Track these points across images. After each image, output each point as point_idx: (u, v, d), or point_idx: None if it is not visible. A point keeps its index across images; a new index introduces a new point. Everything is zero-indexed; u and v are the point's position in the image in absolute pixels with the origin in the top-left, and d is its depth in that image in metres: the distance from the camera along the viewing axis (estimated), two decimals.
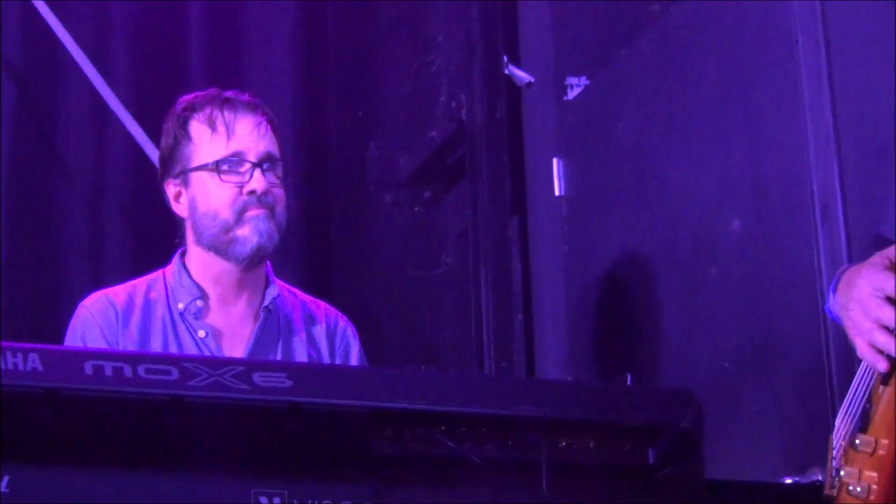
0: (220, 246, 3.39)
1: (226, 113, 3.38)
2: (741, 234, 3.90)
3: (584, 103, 4.77)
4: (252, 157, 3.36)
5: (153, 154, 4.33)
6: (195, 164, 3.39)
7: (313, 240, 5.00)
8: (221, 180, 3.35)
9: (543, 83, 4.93)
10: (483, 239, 5.04)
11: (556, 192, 4.80)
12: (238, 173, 3.36)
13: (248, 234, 3.35)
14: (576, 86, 4.81)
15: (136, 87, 4.92)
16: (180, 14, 5.15)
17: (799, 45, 3.67)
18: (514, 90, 5.08)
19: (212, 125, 3.37)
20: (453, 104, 5.31)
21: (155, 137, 4.35)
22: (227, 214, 3.35)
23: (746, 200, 3.88)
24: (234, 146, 3.37)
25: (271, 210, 3.38)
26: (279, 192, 3.42)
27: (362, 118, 5.45)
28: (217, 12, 5.19)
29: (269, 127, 3.44)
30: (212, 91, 3.45)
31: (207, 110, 3.38)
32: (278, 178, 3.43)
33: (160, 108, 4.62)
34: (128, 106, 4.57)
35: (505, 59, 5.07)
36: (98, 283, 3.92)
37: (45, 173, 4.82)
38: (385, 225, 5.44)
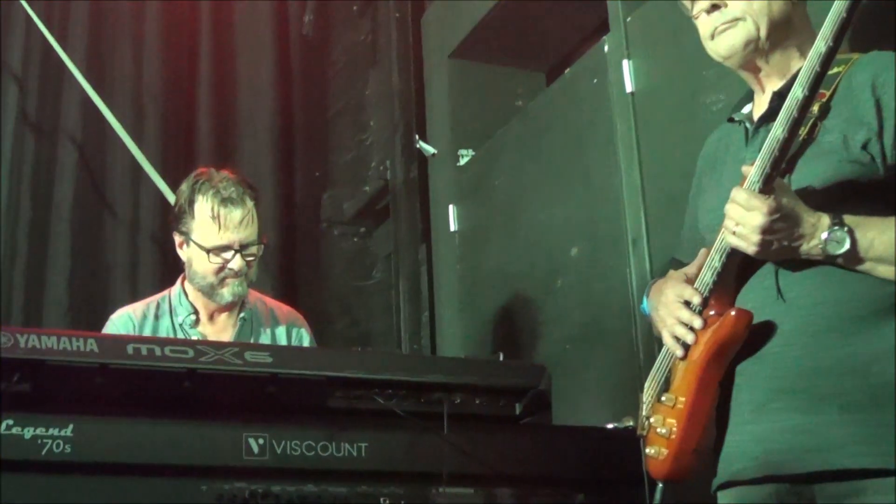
0: (205, 292, 3.37)
1: (222, 209, 3.28)
2: (578, 258, 3.91)
3: (471, 167, 4.76)
4: (236, 246, 3.30)
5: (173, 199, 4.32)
6: (194, 238, 3.32)
7: (284, 260, 4.98)
8: (210, 260, 3.30)
9: (443, 154, 4.92)
10: (402, 260, 5.02)
11: (452, 228, 4.78)
12: (223, 257, 3.30)
13: (226, 294, 3.34)
14: (465, 156, 4.80)
15: (163, 149, 4.87)
16: (193, 104, 5.12)
17: (617, 130, 3.72)
18: (423, 158, 5.06)
19: (212, 215, 3.28)
20: (381, 168, 5.29)
21: (176, 186, 4.35)
22: (211, 279, 3.33)
23: (582, 234, 3.89)
24: (224, 237, 3.28)
25: (245, 275, 3.35)
26: (251, 259, 3.36)
27: (319, 177, 5.44)
28: (218, 98, 5.18)
29: (254, 213, 3.35)
30: (217, 182, 3.33)
31: (213, 203, 3.29)
32: (253, 252, 3.36)
33: (176, 165, 4.69)
34: (156, 165, 4.53)
35: (416, 137, 5.05)
36: (135, 292, 3.89)
37: (98, 212, 4.78)
38: (334, 250, 5.43)
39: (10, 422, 2.16)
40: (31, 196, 4.60)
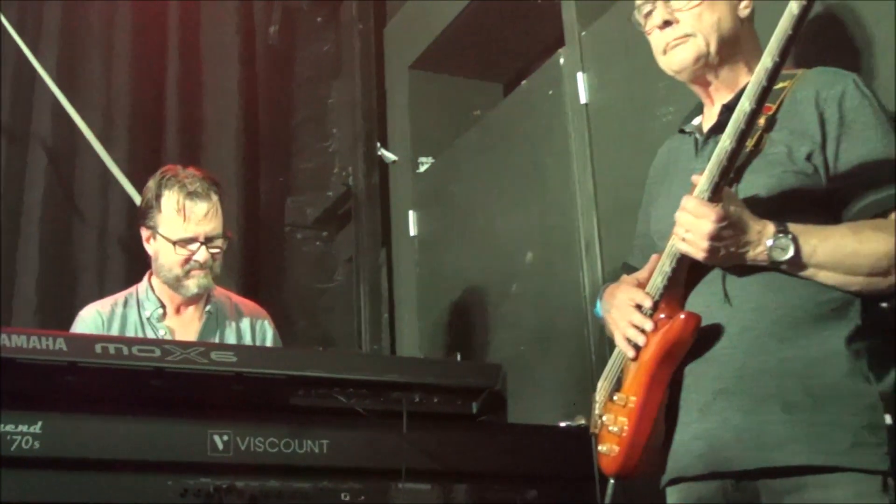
0: (171, 284, 3.35)
1: (188, 202, 3.28)
2: (533, 263, 3.92)
3: (430, 175, 4.77)
4: (201, 238, 3.29)
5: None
6: (161, 231, 3.31)
7: (248, 262, 4.95)
8: (176, 252, 3.29)
9: (403, 161, 4.92)
10: (363, 263, 5.01)
11: (411, 233, 4.79)
12: (189, 249, 3.29)
13: (191, 285, 3.32)
14: (425, 163, 4.82)
15: (130, 155, 4.84)
16: (161, 111, 5.09)
17: (571, 140, 3.73)
18: (384, 165, 5.06)
19: (178, 208, 3.28)
20: (344, 174, 5.27)
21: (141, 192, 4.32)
22: (177, 271, 3.31)
23: (536, 240, 3.91)
24: (190, 230, 3.28)
25: (210, 268, 3.34)
26: (216, 252, 3.35)
27: (283, 182, 5.42)
28: (185, 105, 5.15)
29: (218, 207, 3.35)
30: (183, 178, 3.34)
31: (179, 196, 3.29)
32: (217, 245, 3.35)
33: (144, 170, 4.63)
34: (124, 170, 4.50)
35: (378, 144, 5.06)
36: (103, 292, 3.86)
37: (67, 215, 4.73)
38: (297, 253, 5.40)
39: None
40: (2, 199, 4.56)
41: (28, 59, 4.51)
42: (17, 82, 4.71)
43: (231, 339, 3.44)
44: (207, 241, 3.31)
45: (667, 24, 2.35)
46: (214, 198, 3.34)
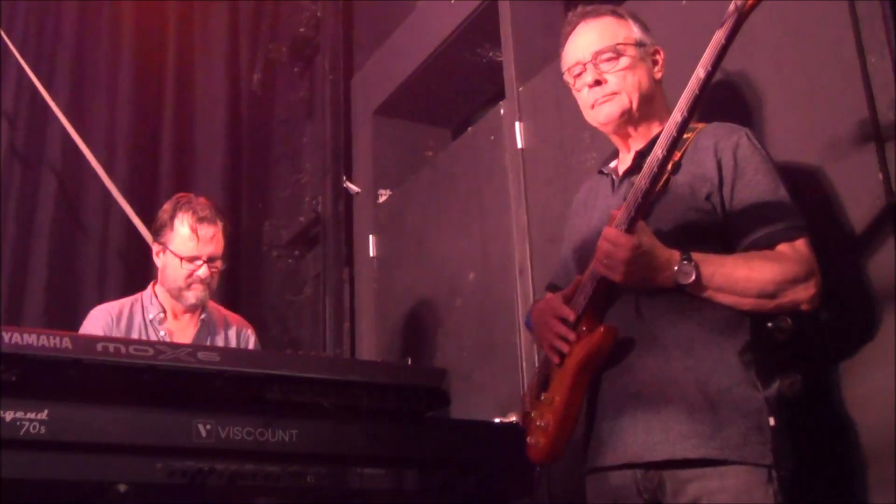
0: (173, 294, 3.37)
1: (197, 225, 3.31)
2: (474, 281, 3.93)
3: (388, 205, 4.75)
4: (204, 257, 3.32)
5: (138, 223, 4.25)
6: (171, 247, 3.33)
7: (231, 276, 4.89)
8: (182, 267, 3.31)
9: (365, 192, 4.90)
10: (328, 279, 4.98)
11: (371, 254, 4.76)
12: (194, 264, 3.32)
13: (190, 296, 3.35)
14: (384, 195, 4.81)
15: (130, 180, 4.80)
16: (157, 143, 5.05)
17: (509, 179, 3.74)
18: (348, 196, 5.03)
19: (188, 230, 3.31)
20: (314, 202, 5.24)
21: (140, 212, 4.28)
22: (180, 283, 3.33)
23: (477, 262, 3.91)
24: (196, 249, 3.31)
25: (208, 284, 3.36)
26: (216, 271, 3.37)
27: (261, 208, 5.39)
28: (178, 139, 5.12)
29: (221, 233, 3.37)
30: (196, 205, 3.36)
31: (190, 219, 3.32)
32: (217, 265, 3.37)
33: (142, 194, 4.62)
34: (124, 193, 4.47)
35: (344, 178, 5.04)
36: (102, 299, 3.82)
37: (73, 232, 4.68)
38: (272, 270, 5.34)
39: None
40: (16, 216, 4.51)
41: (42, 95, 4.47)
42: (31, 115, 4.67)
43: (220, 344, 3.44)
44: (209, 260, 3.34)
45: (597, 83, 2.38)
46: (220, 224, 3.38)
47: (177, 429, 2.30)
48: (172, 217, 3.35)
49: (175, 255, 3.32)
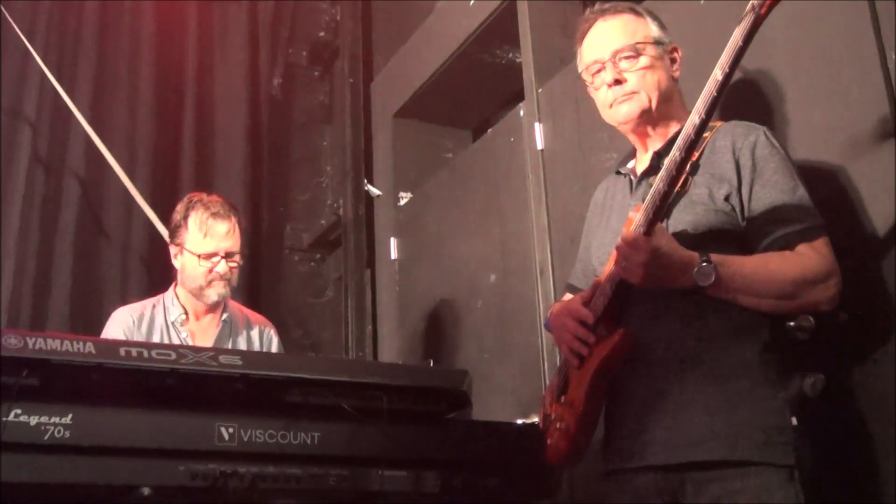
0: (194, 293, 3.38)
1: (210, 221, 3.33)
2: (495, 283, 3.93)
3: (409, 207, 4.77)
4: (221, 253, 3.33)
5: (160, 227, 4.28)
6: (188, 246, 3.34)
7: (252, 280, 4.94)
8: (200, 264, 3.33)
9: (386, 195, 4.92)
10: (350, 282, 5.00)
11: (392, 257, 4.78)
12: (211, 261, 3.33)
13: (211, 293, 3.36)
14: (404, 197, 4.82)
15: (152, 185, 4.84)
16: (179, 148, 5.08)
17: (529, 180, 3.75)
18: (369, 199, 5.06)
19: (202, 227, 3.32)
20: (335, 205, 5.27)
21: (162, 216, 4.30)
22: (200, 281, 3.35)
23: (498, 264, 3.91)
24: (212, 245, 3.33)
25: (228, 280, 3.37)
26: (234, 266, 3.38)
27: (282, 211, 5.42)
28: (199, 144, 5.14)
29: (236, 228, 3.38)
30: (207, 202, 3.38)
31: (203, 216, 3.33)
32: (235, 260, 3.38)
33: (163, 198, 4.65)
34: (146, 198, 4.50)
35: (364, 181, 5.06)
36: (126, 301, 3.84)
37: (96, 237, 4.72)
38: (294, 273, 5.39)
39: (18, 411, 2.12)
40: (40, 222, 4.55)
41: (65, 101, 4.51)
42: (55, 121, 4.70)
43: (242, 345, 3.46)
44: (227, 255, 3.35)
45: (616, 82, 2.37)
46: (234, 219, 3.38)
47: (199, 432, 2.31)
48: (185, 216, 3.37)
49: (192, 253, 3.33)
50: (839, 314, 2.14)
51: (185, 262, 3.37)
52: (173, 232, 3.42)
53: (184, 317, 3.40)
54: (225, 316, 3.45)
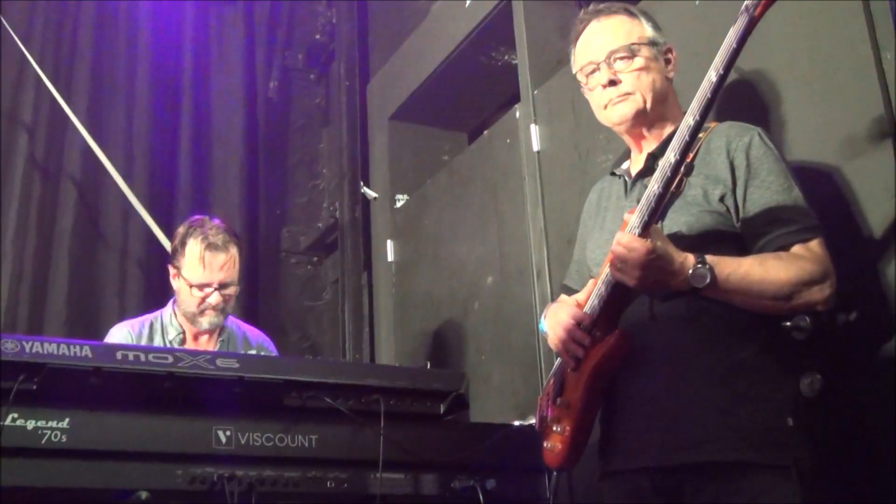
0: (188, 318, 3.36)
1: (208, 253, 3.27)
2: (492, 285, 3.93)
3: (405, 210, 4.76)
4: (215, 285, 3.29)
5: (157, 232, 4.27)
6: (183, 273, 3.30)
7: (249, 283, 4.92)
8: (192, 294, 3.29)
9: (382, 198, 4.91)
10: (347, 285, 4.98)
11: (389, 259, 4.77)
12: (204, 291, 3.29)
13: (204, 322, 3.33)
14: (401, 200, 4.81)
15: (149, 189, 4.84)
16: (176, 152, 5.09)
17: (525, 182, 3.75)
18: (366, 201, 5.05)
19: (198, 257, 3.27)
20: (332, 208, 5.26)
21: (159, 221, 4.30)
22: (193, 309, 3.32)
23: (495, 266, 3.91)
24: (206, 277, 3.28)
25: (222, 310, 3.33)
26: (229, 296, 3.33)
27: (279, 214, 5.42)
28: (196, 148, 5.14)
29: (234, 259, 3.32)
30: (207, 230, 3.32)
31: (200, 245, 3.28)
32: (230, 291, 3.33)
33: (160, 203, 4.65)
34: (143, 203, 4.50)
35: (361, 183, 5.05)
36: (122, 308, 3.85)
37: (93, 241, 4.72)
38: (291, 275, 5.39)
39: (15, 415, 2.13)
40: (37, 227, 4.55)
41: (61, 106, 4.51)
42: (51, 126, 4.70)
43: None
44: (221, 287, 3.31)
45: (611, 83, 2.36)
46: (233, 251, 3.33)
47: (197, 436, 2.32)
48: (184, 243, 3.32)
49: (186, 281, 3.30)
50: (836, 314, 2.14)
51: (181, 287, 3.34)
52: (172, 253, 3.39)
53: (181, 336, 3.39)
54: (223, 337, 3.44)
